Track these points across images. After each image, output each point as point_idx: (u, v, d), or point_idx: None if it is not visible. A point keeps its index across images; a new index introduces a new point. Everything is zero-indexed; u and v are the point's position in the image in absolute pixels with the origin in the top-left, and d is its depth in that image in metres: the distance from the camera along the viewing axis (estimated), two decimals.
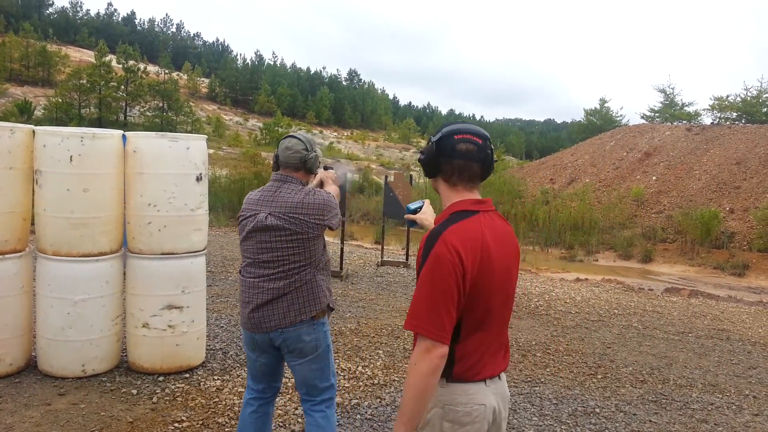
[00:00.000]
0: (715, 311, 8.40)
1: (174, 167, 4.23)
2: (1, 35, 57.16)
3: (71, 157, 3.91)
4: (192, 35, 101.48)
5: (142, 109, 50.25)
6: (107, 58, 47.85)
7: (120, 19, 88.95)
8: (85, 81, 45.79)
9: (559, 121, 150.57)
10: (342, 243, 8.91)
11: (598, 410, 4.36)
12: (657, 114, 39.82)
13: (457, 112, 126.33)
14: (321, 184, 3.01)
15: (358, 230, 15.06)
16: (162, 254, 4.30)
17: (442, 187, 1.90)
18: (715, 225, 15.16)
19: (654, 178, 20.11)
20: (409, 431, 1.72)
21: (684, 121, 33.21)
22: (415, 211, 2.34)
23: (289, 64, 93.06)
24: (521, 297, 8.15)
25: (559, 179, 22.54)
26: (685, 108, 39.35)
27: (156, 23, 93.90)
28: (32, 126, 4.14)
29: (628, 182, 20.23)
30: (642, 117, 40.75)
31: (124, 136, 4.30)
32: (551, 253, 14.73)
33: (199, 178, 4.41)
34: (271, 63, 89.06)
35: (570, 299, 8.32)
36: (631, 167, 21.50)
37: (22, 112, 39.03)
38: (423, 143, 73.61)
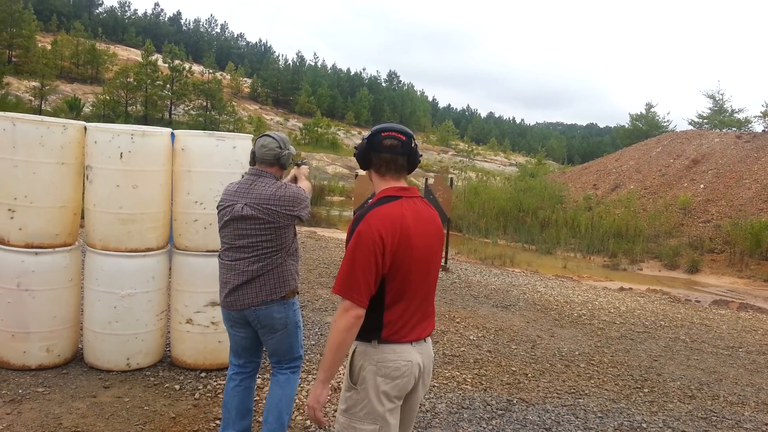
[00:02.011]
0: (767, 326, 8.06)
1: (221, 166, 4.25)
2: (53, 34, 59.20)
3: (121, 153, 3.97)
4: (236, 36, 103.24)
5: (186, 108, 51.35)
6: (153, 57, 49.05)
7: (166, 18, 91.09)
8: (132, 79, 47.04)
9: (601, 125, 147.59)
10: None
11: (645, 426, 4.21)
12: (705, 120, 38.64)
13: (496, 115, 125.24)
14: (295, 180, 3.36)
15: None
16: (207, 251, 4.32)
17: (374, 177, 2.24)
18: (766, 236, 14.58)
19: (702, 186, 19.49)
20: (329, 376, 2.08)
21: (734, 129, 32.11)
22: (299, 165, 3.34)
23: (329, 66, 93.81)
24: (563, 305, 7.98)
25: (603, 185, 22.06)
26: (735, 115, 38.07)
27: (201, 23, 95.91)
28: (84, 122, 4.22)
29: (675, 190, 19.65)
30: (690, 123, 39.61)
31: (172, 134, 4.35)
32: (593, 260, 14.40)
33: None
34: (312, 64, 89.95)
35: (614, 309, 8.10)
36: (678, 174, 20.88)
37: (72, 109, 40.33)
38: (462, 145, 73.32)
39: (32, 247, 4.07)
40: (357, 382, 2.15)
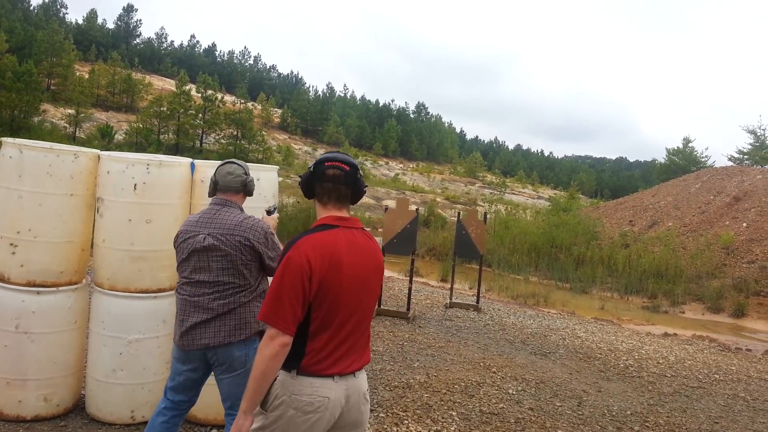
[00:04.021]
0: None
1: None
2: (92, 63, 60.85)
3: (135, 185, 3.63)
4: (268, 67, 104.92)
5: (217, 137, 51.90)
6: (187, 87, 49.87)
7: (201, 50, 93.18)
8: (165, 108, 47.79)
9: (631, 159, 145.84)
10: (411, 282, 8.41)
11: None
12: (746, 156, 37.55)
13: (524, 147, 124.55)
14: None
15: (424, 266, 14.50)
16: None
17: (317, 206, 2.23)
18: None
19: (745, 224, 18.61)
20: (252, 406, 2.04)
21: None
22: (270, 212, 3.17)
23: (358, 97, 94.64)
24: (607, 354, 7.38)
25: (639, 221, 21.29)
26: None
27: (235, 55, 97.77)
28: (98, 150, 3.91)
29: (716, 228, 18.80)
30: (729, 159, 38.53)
31: (192, 164, 4.01)
32: (632, 301, 13.67)
33: (269, 212, 4.06)
34: (342, 95, 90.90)
35: (663, 359, 7.46)
36: (719, 212, 20.03)
37: (104, 136, 41.02)
38: (489, 177, 72.72)
39: (34, 285, 3.73)
40: (268, 408, 2.09)
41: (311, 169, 2.21)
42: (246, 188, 3.06)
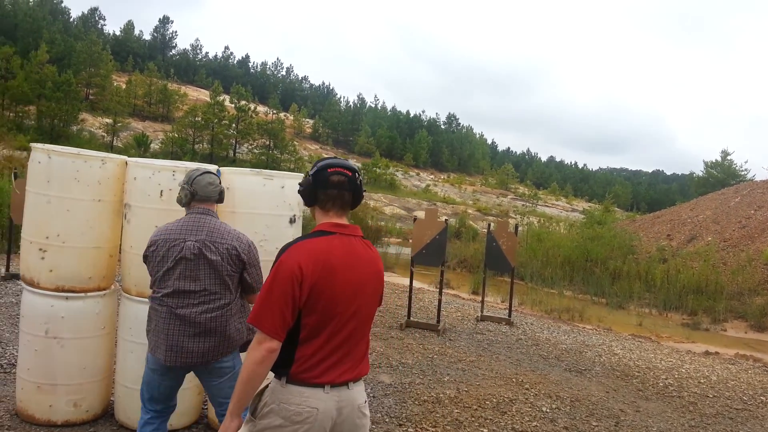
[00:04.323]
0: None
1: (267, 207, 3.85)
2: (129, 74, 62.35)
3: (161, 191, 3.59)
4: (300, 78, 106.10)
5: (250, 147, 52.60)
6: (221, 98, 50.73)
7: (235, 61, 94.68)
8: (199, 118, 48.68)
9: (668, 172, 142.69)
10: (440, 294, 8.25)
11: None
12: None
13: (557, 159, 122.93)
14: None
15: (455, 278, 14.30)
16: None
17: (317, 213, 2.17)
18: None
19: None
20: (238, 409, 2.02)
21: None
22: None
23: (389, 107, 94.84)
24: (646, 372, 7.09)
25: (678, 236, 20.67)
26: None
27: (268, 66, 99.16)
28: (125, 157, 3.90)
29: (758, 243, 18.13)
30: None
31: (218, 171, 3.96)
32: (671, 318, 13.22)
33: (292, 220, 4.00)
34: (373, 106, 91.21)
35: (704, 378, 7.14)
36: (761, 227, 19.33)
37: (139, 145, 41.89)
38: (522, 189, 72.00)
39: (63, 290, 3.72)
40: (257, 415, 2.06)
41: (312, 176, 2.15)
42: (221, 197, 3.05)
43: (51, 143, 3.86)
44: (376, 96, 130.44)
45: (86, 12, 78.22)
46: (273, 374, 2.08)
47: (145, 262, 2.96)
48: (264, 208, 3.84)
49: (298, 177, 4.14)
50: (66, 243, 3.65)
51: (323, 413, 2.03)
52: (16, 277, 8.12)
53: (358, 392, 2.15)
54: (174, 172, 3.62)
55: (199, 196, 2.92)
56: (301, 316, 2.02)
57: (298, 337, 2.04)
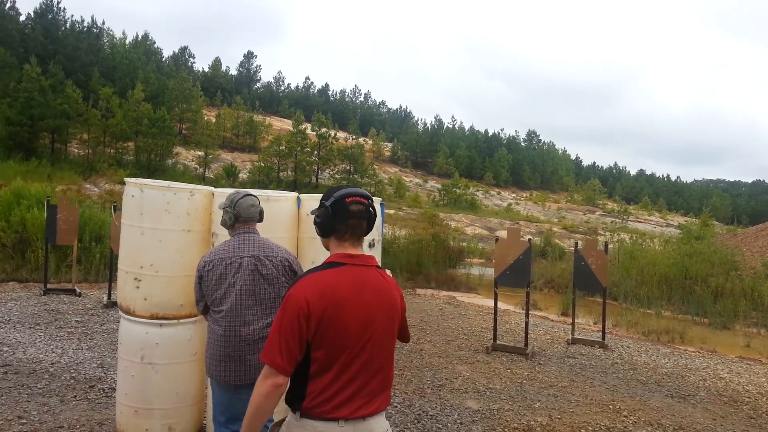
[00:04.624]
0: None
1: None
2: (217, 108, 65.66)
3: None
4: (378, 103, 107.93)
5: (331, 172, 53.83)
6: (303, 126, 52.37)
7: (316, 91, 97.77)
8: (283, 147, 50.41)
9: None
10: (527, 316, 7.97)
11: None
12: None
13: (647, 172, 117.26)
14: None
15: (542, 299, 13.80)
16: None
17: (332, 244, 2.14)
18: None
19: None
20: (254, 427, 2.00)
21: None
22: None
23: (467, 127, 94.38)
24: (757, 397, 6.48)
25: None
26: None
27: (346, 93, 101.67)
28: (212, 188, 4.04)
29: None
30: None
31: (298, 199, 4.03)
32: None
33: (371, 245, 3.98)
34: (450, 126, 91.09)
35: None
36: None
37: (229, 175, 43.84)
38: (610, 205, 69.18)
39: (157, 318, 3.87)
40: None
41: (329, 206, 2.10)
42: (261, 216, 3.22)
43: (148, 177, 4.07)
44: (453, 116, 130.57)
45: (177, 51, 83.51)
46: (290, 408, 2.08)
47: (199, 283, 3.07)
48: None
49: (376, 202, 4.14)
50: (159, 272, 3.80)
51: None
52: (116, 304, 8.61)
53: (376, 423, 2.08)
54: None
55: (242, 218, 3.10)
56: (310, 349, 2.00)
57: (308, 372, 2.02)
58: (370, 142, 73.64)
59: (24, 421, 4.38)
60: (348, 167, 54.52)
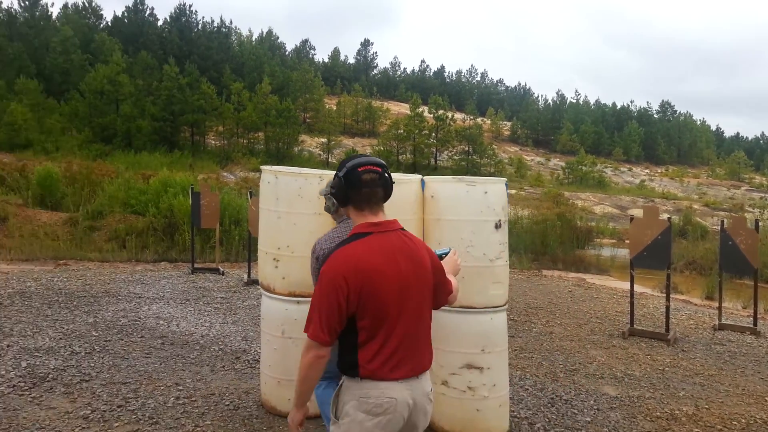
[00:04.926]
0: None
1: (471, 213, 3.83)
2: (338, 96, 67.56)
3: None
4: (495, 82, 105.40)
5: (450, 154, 53.61)
6: (420, 110, 52.51)
7: (431, 73, 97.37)
8: (401, 131, 50.94)
9: None
10: (668, 300, 7.46)
11: None
12: None
13: None
14: None
15: (683, 281, 12.84)
16: (460, 308, 3.87)
17: (351, 213, 2.22)
18: None
19: None
20: (299, 402, 2.19)
21: None
22: (441, 257, 2.52)
23: (592, 101, 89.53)
24: None
25: None
26: None
27: (462, 74, 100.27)
28: (336, 172, 4.16)
29: None
30: None
31: (422, 181, 4.05)
32: None
33: (498, 225, 3.91)
34: (573, 101, 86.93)
35: None
36: None
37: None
38: (758, 179, 62.84)
39: (294, 295, 4.07)
40: (339, 416, 2.14)
41: (342, 176, 2.18)
42: None
43: (277, 164, 4.29)
44: (576, 91, 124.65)
45: (298, 44, 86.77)
46: (344, 375, 2.16)
47: (318, 267, 3.06)
48: (468, 215, 3.82)
49: (501, 182, 4.05)
50: (294, 253, 4.00)
51: (401, 402, 2.10)
52: (255, 282, 9.21)
53: (425, 381, 2.21)
54: None
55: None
56: (355, 320, 2.09)
57: (357, 340, 2.10)
58: (489, 121, 72.26)
59: (180, 387, 4.83)
60: (466, 148, 53.97)
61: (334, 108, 59.33)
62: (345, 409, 2.12)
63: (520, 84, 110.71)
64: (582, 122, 74.42)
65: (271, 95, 46.81)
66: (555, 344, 6.75)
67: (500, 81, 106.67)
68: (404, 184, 3.87)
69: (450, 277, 2.51)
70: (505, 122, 79.52)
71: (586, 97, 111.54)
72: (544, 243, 15.19)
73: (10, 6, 51.02)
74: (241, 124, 45.01)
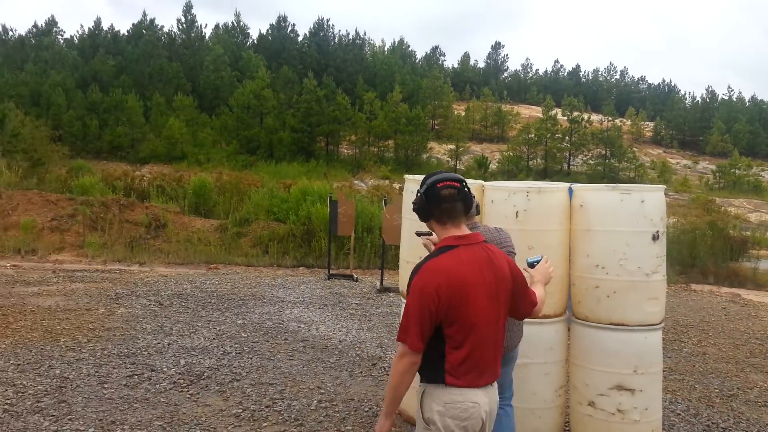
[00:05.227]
0: None
1: (626, 224, 3.62)
2: (466, 101, 67.20)
3: (517, 212, 3.69)
4: (636, 80, 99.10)
5: (584, 158, 51.29)
6: (553, 112, 50.79)
7: (565, 74, 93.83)
8: (532, 135, 49.59)
9: None
10: None
11: None
12: None
13: None
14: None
15: None
16: (610, 324, 3.69)
17: (435, 227, 2.36)
18: None
19: None
20: (388, 411, 2.29)
21: None
22: (532, 265, 2.69)
23: (747, 98, 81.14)
24: None
25: None
26: None
27: (599, 73, 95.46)
28: (482, 181, 4.12)
29: None
30: None
31: (570, 189, 3.89)
32: None
33: (655, 237, 3.66)
34: (726, 98, 79.40)
35: None
36: None
37: (480, 166, 44.66)
38: None
39: None
40: (428, 422, 2.24)
41: (423, 193, 2.29)
42: (478, 209, 3.28)
43: (406, 172, 4.34)
44: (729, 87, 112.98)
45: (428, 51, 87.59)
46: (425, 383, 2.28)
47: None
48: (622, 225, 3.62)
49: (659, 189, 3.79)
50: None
51: (482, 407, 2.23)
52: (388, 290, 9.39)
53: (496, 388, 2.35)
54: (528, 193, 3.69)
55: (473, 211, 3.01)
56: (442, 328, 2.20)
57: (443, 349, 2.22)
58: (628, 122, 68.10)
59: (322, 391, 5.03)
60: (603, 151, 51.31)
61: (463, 114, 59.11)
62: (431, 416, 2.23)
63: (664, 81, 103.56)
64: (735, 121, 67.71)
65: (402, 103, 47.68)
66: (709, 366, 6.19)
67: (642, 79, 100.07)
68: (550, 193, 3.75)
69: (539, 286, 2.61)
70: (647, 123, 74.43)
71: (740, 93, 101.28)
72: (692, 254, 14.02)
73: (170, 29, 56.42)
74: (373, 132, 46.29)
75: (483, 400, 2.23)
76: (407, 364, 2.20)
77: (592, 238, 3.69)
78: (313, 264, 12.22)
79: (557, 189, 3.81)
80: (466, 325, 2.19)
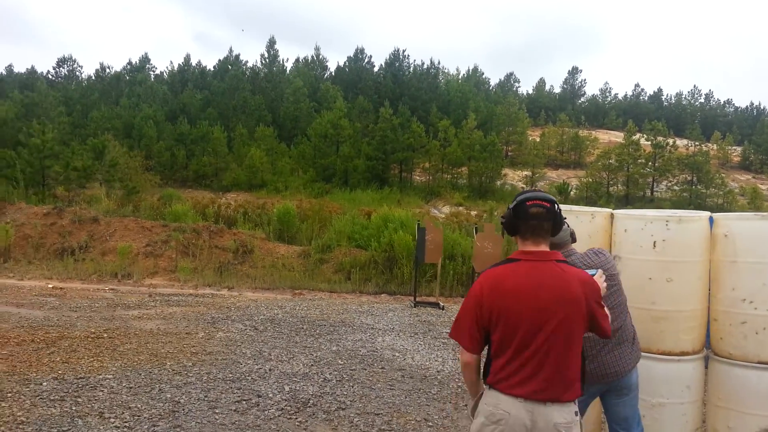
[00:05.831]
0: None
1: None
2: (541, 127, 66.06)
3: (654, 242, 3.46)
4: (722, 103, 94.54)
5: (669, 184, 49.11)
6: (635, 137, 49.06)
7: (647, 97, 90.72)
8: (613, 160, 47.96)
9: None
10: None
11: None
12: None
13: None
14: None
15: None
16: (759, 363, 3.38)
17: (518, 240, 2.42)
18: None
19: None
20: (471, 395, 2.48)
21: None
22: None
23: None
24: None
25: None
26: None
27: (683, 96, 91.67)
28: (611, 210, 3.92)
29: None
30: None
31: (711, 219, 3.63)
32: None
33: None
34: None
35: None
36: None
37: (560, 192, 43.52)
38: None
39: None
40: (474, 414, 2.40)
41: (512, 208, 2.38)
42: (574, 237, 3.18)
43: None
44: None
45: (502, 78, 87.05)
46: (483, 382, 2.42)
47: None
48: None
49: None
50: None
51: (515, 418, 2.22)
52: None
53: (557, 411, 2.23)
54: (667, 222, 3.46)
55: (555, 243, 2.76)
56: (490, 333, 2.33)
57: (490, 351, 2.36)
58: (715, 147, 64.82)
59: (430, 424, 4.88)
60: (689, 177, 48.93)
61: (538, 140, 58.08)
62: (477, 410, 2.39)
63: (752, 104, 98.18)
64: None
65: (476, 130, 47.41)
66: None
67: (728, 102, 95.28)
68: (691, 221, 3.51)
69: None
70: (734, 147, 70.62)
71: None
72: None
73: (254, 64, 59.09)
74: (446, 159, 46.13)
75: (520, 412, 2.23)
76: (462, 363, 2.43)
77: (738, 270, 3.42)
78: (395, 291, 12.16)
79: (698, 218, 3.55)
80: (507, 332, 2.28)
